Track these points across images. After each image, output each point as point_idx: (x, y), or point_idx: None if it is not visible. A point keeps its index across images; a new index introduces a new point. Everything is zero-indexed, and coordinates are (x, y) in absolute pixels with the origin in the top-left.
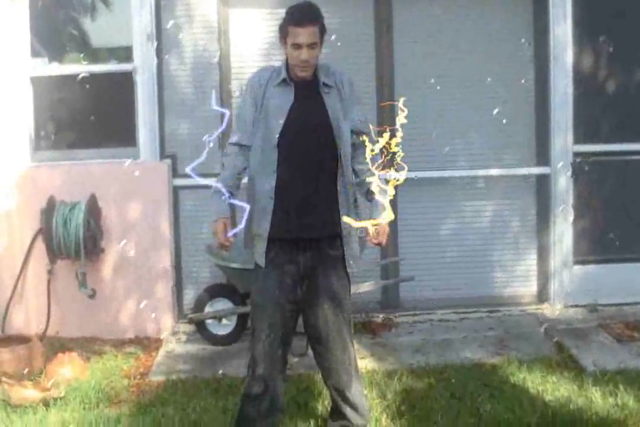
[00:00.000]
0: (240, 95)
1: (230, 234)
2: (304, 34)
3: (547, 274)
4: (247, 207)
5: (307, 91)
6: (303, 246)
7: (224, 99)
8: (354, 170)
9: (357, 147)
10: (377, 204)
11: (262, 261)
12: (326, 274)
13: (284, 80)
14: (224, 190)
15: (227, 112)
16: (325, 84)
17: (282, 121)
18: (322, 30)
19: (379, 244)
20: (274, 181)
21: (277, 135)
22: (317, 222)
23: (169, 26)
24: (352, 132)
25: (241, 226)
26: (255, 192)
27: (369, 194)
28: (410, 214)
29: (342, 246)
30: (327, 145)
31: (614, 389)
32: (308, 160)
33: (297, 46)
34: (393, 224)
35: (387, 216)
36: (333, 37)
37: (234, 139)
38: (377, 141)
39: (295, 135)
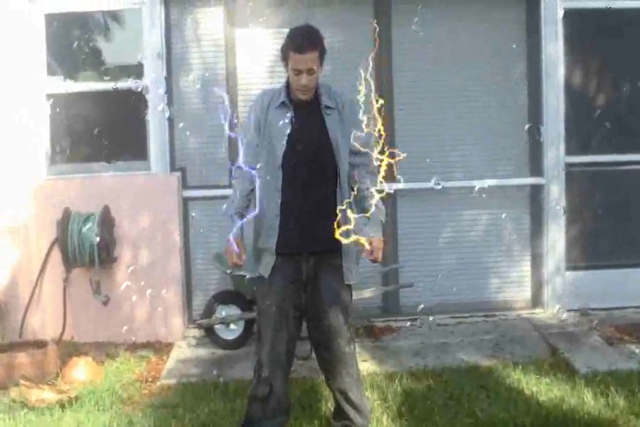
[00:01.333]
0: (247, 111)
1: (236, 248)
2: (303, 61)
3: (541, 280)
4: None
5: (308, 112)
6: (306, 256)
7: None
8: (352, 188)
9: (355, 166)
10: (371, 222)
11: (267, 274)
12: (328, 281)
13: (283, 103)
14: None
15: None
16: (326, 105)
17: (284, 142)
18: (322, 54)
19: (374, 261)
20: (279, 199)
21: (280, 156)
22: (320, 237)
23: (178, 45)
24: (351, 151)
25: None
26: (262, 210)
27: (365, 212)
28: (409, 223)
29: (342, 257)
30: (328, 164)
31: (605, 390)
32: (310, 178)
33: (297, 72)
34: (393, 233)
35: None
36: (334, 54)
37: (239, 162)
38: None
39: (298, 155)
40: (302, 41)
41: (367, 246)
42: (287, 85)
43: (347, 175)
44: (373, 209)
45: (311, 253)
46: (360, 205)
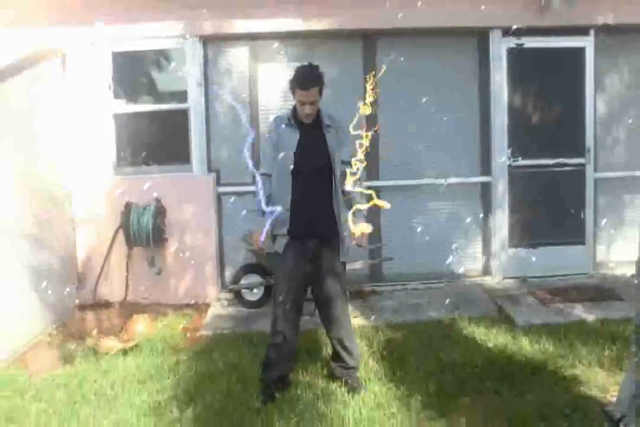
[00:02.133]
0: (266, 131)
1: (262, 237)
2: (306, 95)
3: (489, 254)
4: (276, 212)
5: (311, 130)
6: (312, 239)
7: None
8: (343, 191)
9: (345, 175)
10: (358, 216)
11: (281, 250)
12: (328, 256)
13: (291, 123)
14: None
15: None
16: (327, 125)
17: (292, 153)
18: (322, 87)
19: (359, 246)
20: (289, 198)
21: (290, 165)
22: (321, 229)
23: (213, 76)
24: (342, 162)
25: (267, 227)
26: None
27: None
28: (391, 211)
29: (339, 241)
30: (327, 172)
31: (539, 339)
32: (313, 182)
33: (302, 103)
34: (378, 219)
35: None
36: (331, 81)
37: (261, 170)
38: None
39: (303, 164)
40: (306, 80)
41: (356, 234)
42: (294, 109)
43: (340, 179)
44: (359, 206)
45: (315, 238)
46: (349, 203)
